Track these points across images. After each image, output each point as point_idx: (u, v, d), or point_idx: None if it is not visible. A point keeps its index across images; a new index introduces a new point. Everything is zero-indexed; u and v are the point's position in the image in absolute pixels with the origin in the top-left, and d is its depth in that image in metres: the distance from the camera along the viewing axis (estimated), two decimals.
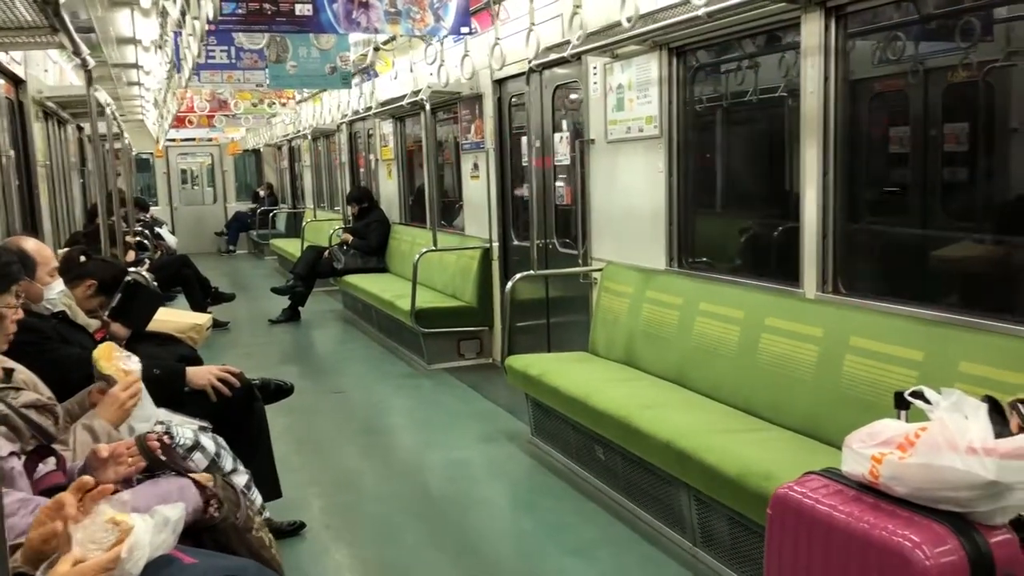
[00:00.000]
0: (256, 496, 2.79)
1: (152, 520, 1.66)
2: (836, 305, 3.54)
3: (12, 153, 5.39)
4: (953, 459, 1.77)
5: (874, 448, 1.94)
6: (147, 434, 2.33)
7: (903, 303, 3.30)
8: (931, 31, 3.62)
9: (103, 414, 2.56)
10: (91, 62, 4.25)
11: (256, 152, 18.81)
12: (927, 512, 1.82)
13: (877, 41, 3.71)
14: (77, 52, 3.79)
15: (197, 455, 2.60)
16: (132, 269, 5.67)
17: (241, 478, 2.76)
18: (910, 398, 1.99)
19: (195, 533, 1.99)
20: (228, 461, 2.79)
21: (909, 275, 3.77)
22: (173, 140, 17.46)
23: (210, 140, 18.18)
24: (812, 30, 3.58)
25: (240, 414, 3.56)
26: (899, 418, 2.07)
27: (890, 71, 3.76)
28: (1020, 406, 2.13)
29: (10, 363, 2.37)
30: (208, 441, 2.75)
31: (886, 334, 3.21)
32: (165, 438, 2.42)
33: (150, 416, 2.78)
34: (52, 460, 2.05)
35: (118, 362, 2.80)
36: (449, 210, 8.30)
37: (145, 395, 2.80)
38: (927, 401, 1.94)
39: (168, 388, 3.26)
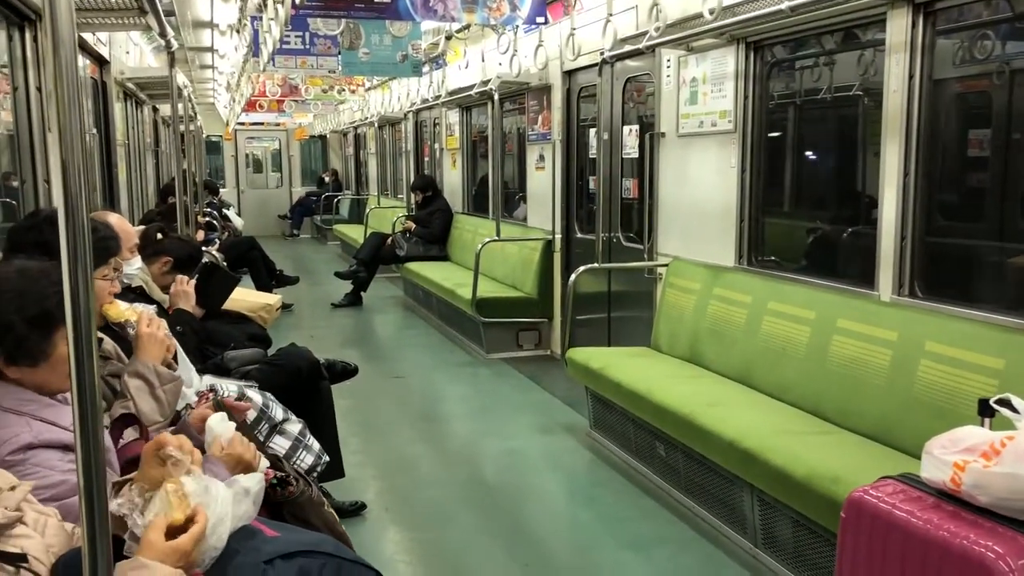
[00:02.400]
0: (313, 442, 2.79)
1: (231, 490, 1.70)
2: (912, 309, 3.45)
3: (95, 132, 5.55)
4: None
5: (956, 455, 1.89)
6: (221, 397, 2.35)
7: (983, 309, 3.21)
8: (1021, 30, 3.51)
9: (143, 355, 2.43)
10: (175, 44, 4.35)
11: (322, 138, 19.07)
12: (1011, 523, 1.77)
13: (963, 40, 3.60)
14: (163, 34, 3.88)
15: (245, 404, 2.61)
16: (203, 249, 5.81)
17: (295, 427, 2.77)
18: (996, 406, 1.93)
19: (275, 507, 2.03)
20: (278, 411, 2.80)
21: (989, 281, 3.67)
22: (242, 124, 17.78)
23: (278, 125, 18.47)
24: (898, 26, 3.50)
25: (307, 393, 3.63)
26: (983, 426, 2.02)
27: (977, 71, 3.65)
28: None
29: (98, 333, 2.44)
30: (255, 394, 2.77)
31: (964, 340, 3.12)
32: (209, 394, 2.44)
33: (192, 380, 2.73)
34: (135, 429, 2.11)
35: (121, 306, 2.67)
36: (511, 201, 8.32)
37: (186, 362, 2.73)
38: (1014, 409, 1.88)
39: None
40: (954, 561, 1.77)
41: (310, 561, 1.63)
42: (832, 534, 2.61)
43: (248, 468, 1.95)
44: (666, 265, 5.16)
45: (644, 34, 4.78)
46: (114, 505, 1.57)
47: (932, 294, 3.50)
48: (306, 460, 2.68)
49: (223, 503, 1.63)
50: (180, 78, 6.35)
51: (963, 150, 3.84)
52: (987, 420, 2.04)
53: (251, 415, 2.56)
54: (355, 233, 12.40)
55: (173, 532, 1.55)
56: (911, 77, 3.49)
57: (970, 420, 2.10)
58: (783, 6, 3.60)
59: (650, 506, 4.04)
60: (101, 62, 5.97)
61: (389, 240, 9.66)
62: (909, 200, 3.53)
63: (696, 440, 3.73)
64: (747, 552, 3.50)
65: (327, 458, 2.80)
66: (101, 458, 1.20)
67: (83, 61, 5.28)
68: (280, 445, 2.66)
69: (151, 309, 2.73)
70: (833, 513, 2.40)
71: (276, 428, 2.66)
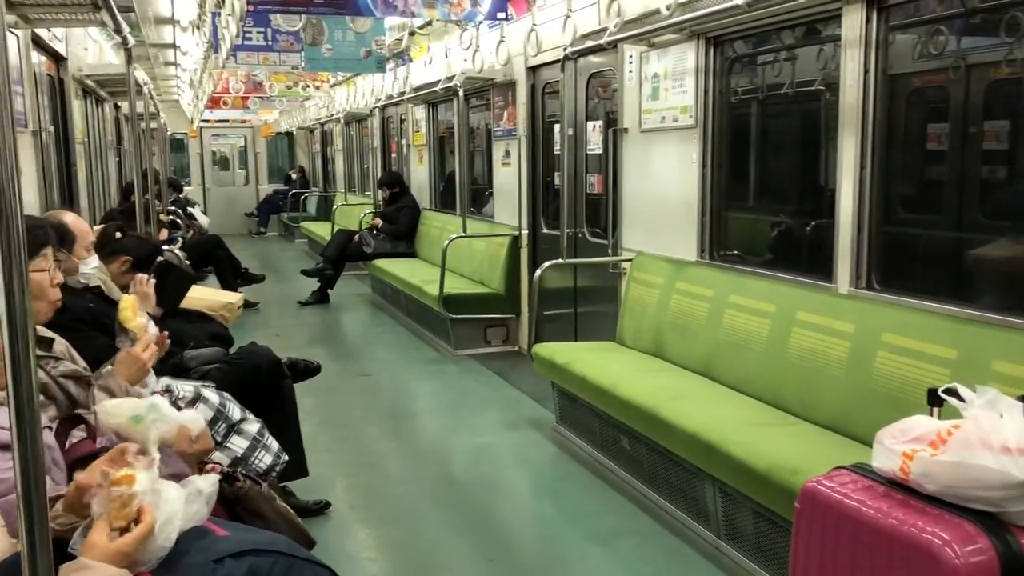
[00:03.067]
0: (272, 442, 2.78)
1: (185, 491, 1.68)
2: (869, 301, 3.50)
3: (52, 129, 5.46)
4: (986, 458, 1.75)
5: (906, 444, 1.92)
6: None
7: (937, 300, 3.26)
8: (975, 25, 3.56)
9: (122, 373, 2.45)
10: (131, 40, 4.29)
11: (289, 135, 18.94)
12: (958, 511, 1.80)
13: (919, 35, 3.65)
14: (118, 30, 3.83)
15: (200, 406, 2.60)
16: (165, 248, 5.74)
17: (252, 426, 2.76)
18: (944, 395, 1.97)
19: (228, 504, 2.02)
20: (235, 411, 2.78)
21: (944, 272, 3.72)
22: (207, 121, 17.61)
23: (243, 122, 18.32)
24: (853, 21, 3.54)
25: (269, 391, 3.60)
26: (932, 415, 2.05)
27: (931, 66, 3.70)
28: None
29: (49, 332, 2.40)
30: (211, 394, 2.75)
31: (919, 331, 3.17)
32: (166, 395, 2.43)
33: (148, 383, 2.70)
34: (83, 428, 2.08)
35: (142, 318, 2.74)
36: (479, 197, 8.31)
37: None
38: (961, 399, 1.91)
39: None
40: (903, 548, 1.80)
41: (261, 559, 1.62)
42: (792, 525, 2.64)
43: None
44: (630, 260, 5.18)
45: (604, 30, 4.80)
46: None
47: (889, 286, 3.55)
48: (264, 460, 2.67)
49: (173, 502, 1.61)
50: (140, 75, 6.27)
51: (919, 144, 3.89)
52: (936, 410, 2.07)
53: (208, 414, 2.54)
54: (322, 230, 12.33)
55: (120, 531, 1.54)
56: (866, 72, 3.53)
57: (925, 410, 2.14)
58: (740, 1, 3.63)
59: (615, 499, 4.06)
60: (58, 58, 5.87)
61: (356, 237, 9.62)
62: (865, 193, 3.58)
63: (659, 433, 3.75)
64: (710, 543, 3.53)
65: (286, 457, 2.78)
66: (40, 459, 1.18)
67: (38, 58, 5.18)
68: (238, 445, 2.64)
69: (154, 333, 2.71)
70: (792, 504, 2.42)
71: (234, 428, 2.64)
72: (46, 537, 1.19)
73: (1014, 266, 3.44)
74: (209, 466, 2.07)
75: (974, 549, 1.73)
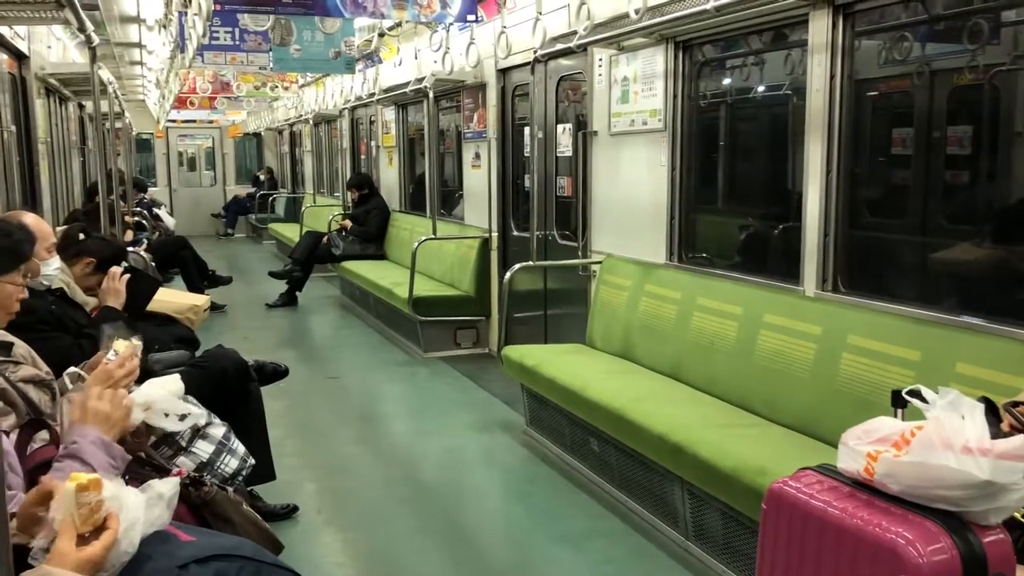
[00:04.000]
0: (238, 445, 2.75)
1: (145, 495, 1.66)
2: (835, 304, 3.54)
3: (13, 128, 5.37)
4: (948, 458, 1.77)
5: (870, 445, 1.93)
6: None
7: (902, 303, 3.31)
8: (939, 32, 3.61)
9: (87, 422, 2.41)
10: (95, 39, 4.23)
11: (257, 136, 18.77)
12: (921, 510, 1.82)
13: (884, 41, 3.70)
14: (82, 28, 3.77)
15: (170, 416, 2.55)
16: (131, 249, 5.66)
17: (218, 430, 2.73)
18: (907, 396, 1.98)
19: (195, 509, 1.99)
20: (202, 417, 2.75)
21: (908, 276, 3.78)
22: (174, 121, 17.40)
23: (211, 122, 18.13)
24: (819, 27, 3.58)
25: (236, 395, 3.56)
26: (896, 416, 2.07)
27: (896, 72, 3.75)
28: (1013, 409, 2.14)
29: (9, 336, 2.36)
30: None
31: (884, 334, 3.21)
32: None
33: None
34: (45, 434, 2.05)
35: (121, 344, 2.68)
36: (449, 199, 8.29)
37: None
38: (924, 400, 1.93)
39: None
40: (867, 548, 1.82)
41: (227, 565, 1.60)
42: (759, 525, 2.66)
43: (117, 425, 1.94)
44: (600, 262, 5.20)
45: (574, 33, 4.81)
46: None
47: (854, 289, 3.59)
48: (231, 464, 2.63)
49: (134, 508, 1.59)
50: (105, 74, 6.18)
51: (885, 148, 3.94)
52: (900, 411, 2.10)
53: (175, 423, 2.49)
54: (291, 232, 12.24)
55: (83, 538, 1.51)
56: (832, 77, 3.57)
57: (889, 411, 2.16)
58: (708, 6, 3.65)
59: (583, 501, 4.07)
60: (20, 56, 5.77)
61: (325, 239, 9.56)
62: (832, 197, 3.62)
63: (628, 435, 3.77)
64: (678, 545, 3.55)
65: (252, 461, 2.75)
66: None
67: None
68: (203, 450, 2.61)
69: (139, 347, 2.55)
70: (759, 504, 2.44)
71: (199, 432, 2.60)
72: (7, 549, 1.16)
73: (976, 269, 3.50)
74: (175, 471, 2.04)
75: (936, 548, 1.74)
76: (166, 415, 2.25)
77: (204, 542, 1.68)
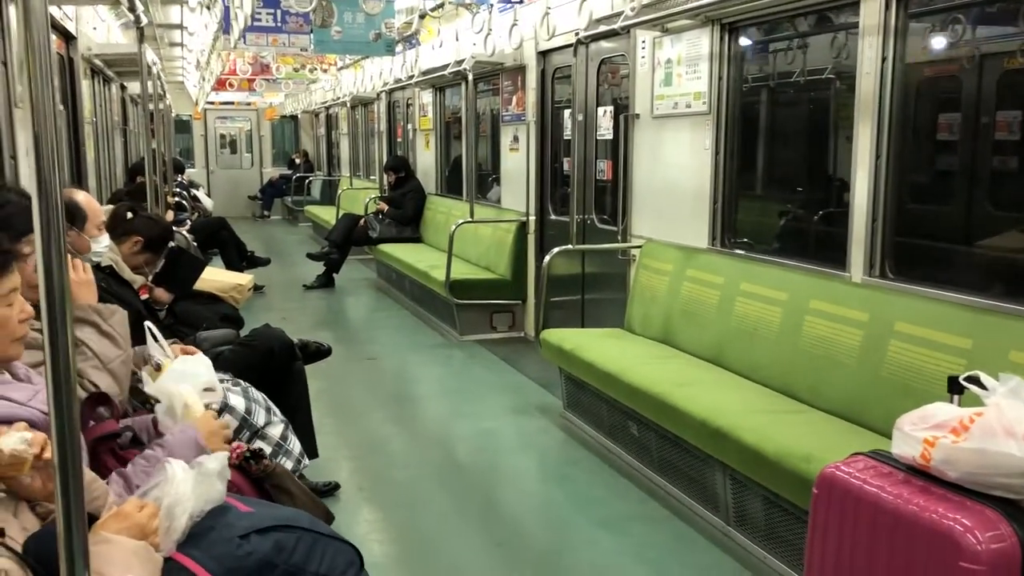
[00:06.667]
0: (294, 445, 2.79)
1: (193, 471, 1.69)
2: (883, 290, 3.50)
3: (62, 108, 5.45)
4: (1009, 445, 1.75)
5: (926, 431, 1.92)
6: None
7: (952, 290, 3.26)
8: (992, 15, 3.54)
9: (76, 301, 2.30)
10: (144, 19, 4.27)
11: (294, 118, 18.88)
12: (979, 498, 1.81)
13: (934, 24, 3.64)
14: (132, 8, 3.80)
15: (226, 416, 2.60)
16: (174, 229, 5.73)
17: (276, 429, 2.76)
18: (965, 383, 1.96)
19: (256, 482, 2.03)
20: (260, 416, 2.78)
21: (958, 262, 3.72)
22: (212, 103, 17.56)
23: (249, 104, 18.27)
24: (872, 9, 3.52)
25: (281, 373, 3.61)
26: (952, 403, 2.05)
27: (948, 55, 3.68)
28: None
29: None
30: (238, 400, 2.74)
31: (933, 321, 3.16)
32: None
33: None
34: (107, 408, 2.09)
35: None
36: (485, 182, 8.29)
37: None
38: (983, 387, 1.91)
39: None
40: (923, 534, 1.81)
41: (286, 535, 1.63)
42: (803, 511, 2.64)
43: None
44: (640, 247, 5.18)
45: (619, 14, 4.77)
46: None
47: (902, 275, 3.54)
48: (286, 465, 2.67)
49: (181, 484, 1.62)
50: (149, 55, 6.24)
51: (933, 133, 3.88)
52: (956, 397, 2.07)
53: (233, 423, 2.54)
54: (327, 215, 12.31)
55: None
56: (883, 60, 3.51)
57: (937, 398, 2.13)
58: None
59: (623, 485, 4.07)
60: (68, 37, 5.84)
61: (362, 221, 9.61)
62: (880, 182, 3.57)
63: (668, 419, 3.76)
64: (719, 530, 3.54)
65: (307, 462, 2.81)
66: (76, 435, 1.18)
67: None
68: None
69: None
70: (804, 490, 2.43)
71: (257, 433, 2.65)
72: (82, 509, 1.19)
73: None
74: (234, 444, 2.07)
75: (995, 535, 1.73)
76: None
77: (263, 513, 1.71)
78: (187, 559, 1.54)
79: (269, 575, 1.59)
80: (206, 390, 2.48)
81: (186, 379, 2.36)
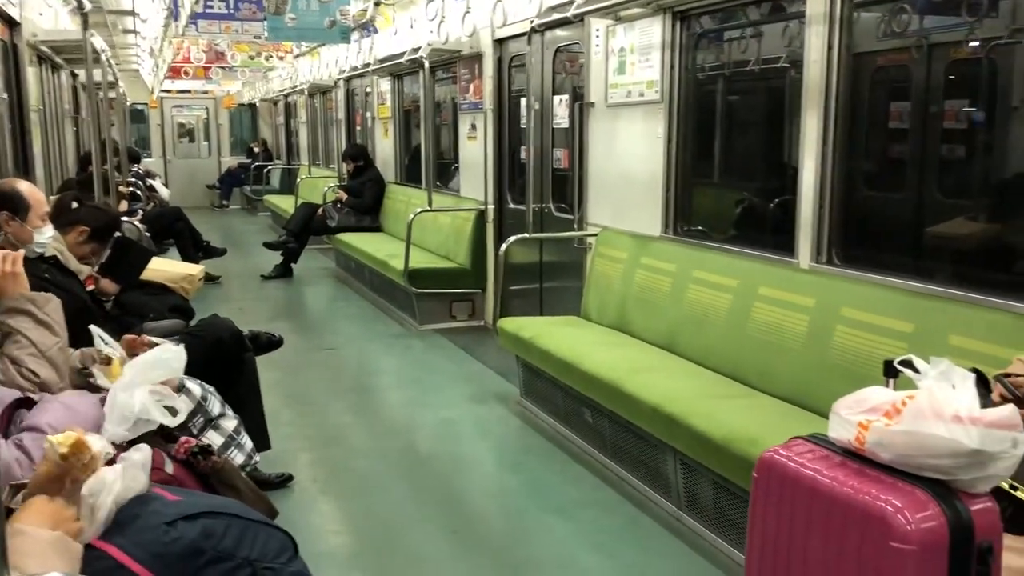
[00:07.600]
0: (246, 440, 2.79)
1: (119, 467, 1.68)
2: (829, 276, 3.55)
3: (5, 96, 5.32)
4: (938, 427, 1.78)
5: (861, 415, 1.94)
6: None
7: (896, 276, 3.32)
8: (937, 5, 3.59)
9: (7, 293, 2.31)
10: (87, 5, 4.18)
11: (252, 106, 18.65)
12: (911, 479, 1.84)
13: (882, 13, 3.68)
14: None
15: (181, 396, 2.58)
16: (125, 219, 5.64)
17: (230, 423, 2.76)
18: (899, 367, 1.99)
19: (202, 477, 2.01)
20: (216, 406, 2.78)
21: (904, 249, 3.78)
22: (168, 91, 17.27)
23: (206, 93, 18.01)
24: None
25: (231, 364, 3.57)
26: (887, 386, 2.08)
27: (894, 45, 3.73)
28: (1004, 380, 2.15)
29: None
30: (194, 386, 2.73)
31: (878, 306, 3.22)
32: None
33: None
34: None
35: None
36: (445, 171, 8.26)
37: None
38: (916, 370, 1.94)
39: None
40: (857, 515, 1.84)
41: (214, 522, 1.62)
42: (749, 495, 2.68)
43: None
44: (595, 235, 5.20)
45: (572, 2, 4.77)
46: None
47: (849, 262, 3.60)
48: (237, 459, 2.66)
49: (106, 470, 1.62)
50: (98, 42, 6.10)
51: (882, 122, 3.93)
52: (891, 381, 2.11)
53: (188, 407, 2.51)
54: (286, 204, 12.19)
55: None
56: (830, 48, 3.55)
57: (879, 382, 2.17)
58: None
59: (577, 471, 4.10)
60: (11, 23, 5.70)
61: (320, 210, 9.53)
62: (828, 169, 3.61)
63: (622, 406, 3.79)
64: (670, 515, 3.58)
65: (258, 458, 2.79)
66: None
67: None
68: (213, 441, 2.63)
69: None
70: (751, 474, 2.46)
71: (211, 423, 2.62)
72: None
73: (970, 243, 3.50)
74: (183, 438, 2.05)
75: (925, 516, 1.76)
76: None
77: (191, 501, 1.70)
78: (110, 546, 1.52)
79: (197, 561, 1.58)
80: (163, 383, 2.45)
81: (158, 367, 2.29)
